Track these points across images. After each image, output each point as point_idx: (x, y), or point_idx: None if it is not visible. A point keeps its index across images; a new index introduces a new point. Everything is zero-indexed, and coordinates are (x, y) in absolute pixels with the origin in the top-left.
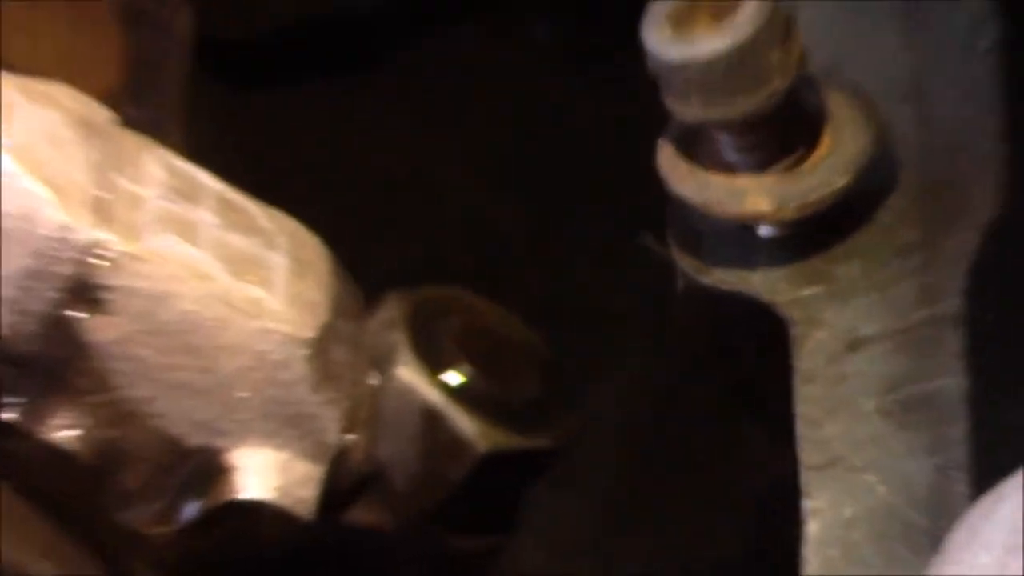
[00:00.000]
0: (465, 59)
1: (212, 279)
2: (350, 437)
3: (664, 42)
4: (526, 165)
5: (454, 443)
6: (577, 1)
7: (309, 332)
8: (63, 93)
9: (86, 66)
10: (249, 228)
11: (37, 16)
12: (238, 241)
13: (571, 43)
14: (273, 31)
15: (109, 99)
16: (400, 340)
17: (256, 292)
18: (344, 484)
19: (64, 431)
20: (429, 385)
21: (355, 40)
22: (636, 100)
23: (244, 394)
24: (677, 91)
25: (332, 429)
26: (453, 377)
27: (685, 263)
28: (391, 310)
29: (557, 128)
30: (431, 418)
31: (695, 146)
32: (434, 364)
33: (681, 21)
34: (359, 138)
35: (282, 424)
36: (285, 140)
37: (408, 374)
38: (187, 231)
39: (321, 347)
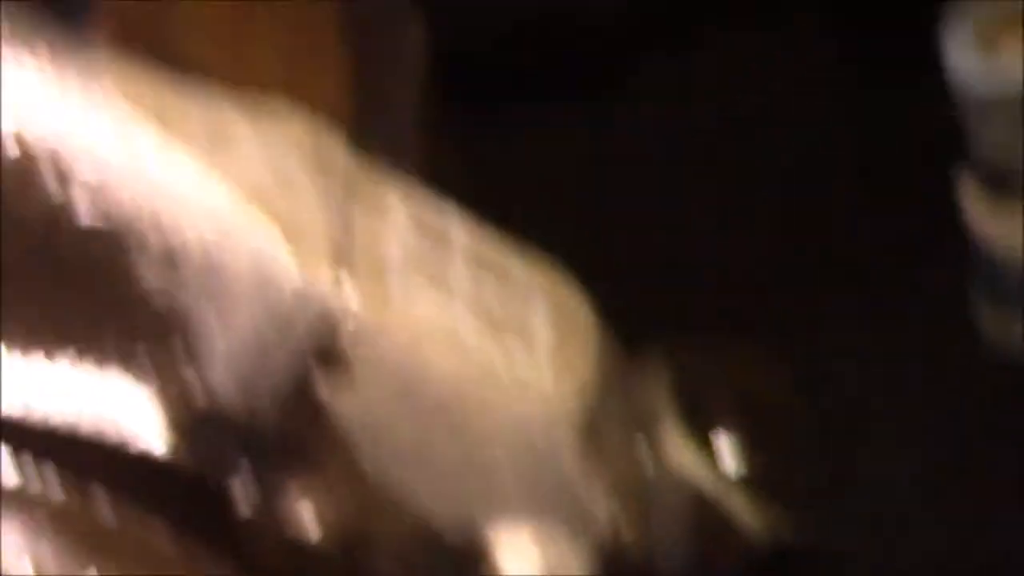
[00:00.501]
0: (726, 73)
1: (468, 341)
2: (619, 517)
3: (973, 67)
4: (791, 199)
5: (727, 530)
6: (863, 4)
7: (575, 400)
8: (292, 119)
9: (310, 86)
10: (506, 282)
11: (258, 29)
12: (495, 297)
13: (854, 54)
14: (509, 39)
15: (336, 126)
16: (663, 406)
17: (517, 356)
18: (611, 572)
19: (302, 514)
20: (696, 461)
21: (601, 48)
22: (930, 124)
23: (506, 474)
24: (988, 123)
25: (601, 508)
26: (725, 451)
27: (992, 325)
28: (653, 369)
29: (831, 157)
30: (700, 500)
31: (1006, 180)
32: (703, 435)
33: (991, 37)
34: (603, 166)
35: (546, 502)
36: (521, 167)
37: (673, 448)
38: (438, 286)
39: (588, 417)
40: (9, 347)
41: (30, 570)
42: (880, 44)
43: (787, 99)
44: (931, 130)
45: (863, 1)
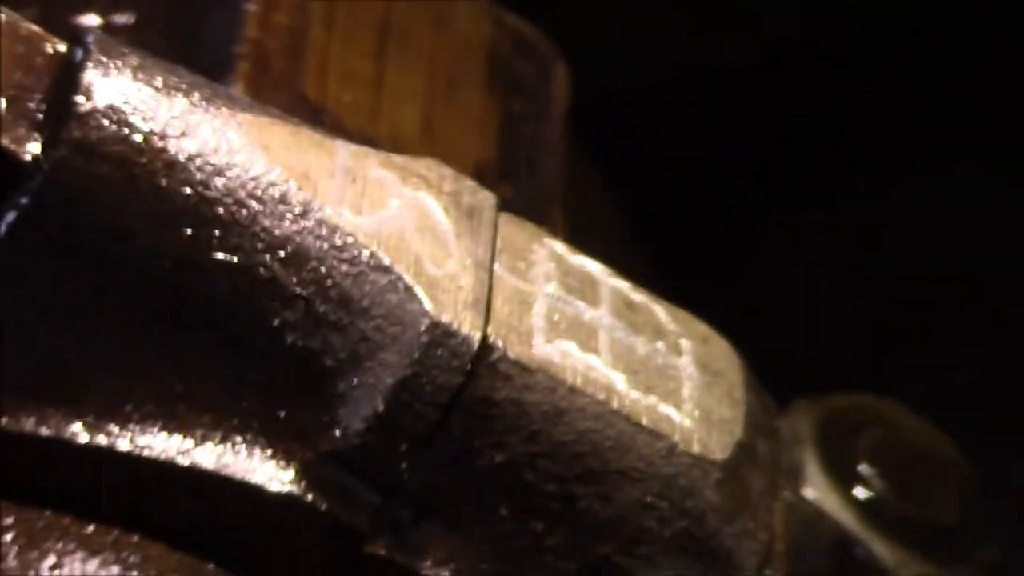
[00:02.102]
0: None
1: (614, 392)
2: (768, 573)
3: None
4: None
5: (871, 575)
6: None
7: (721, 453)
8: (437, 172)
9: (454, 138)
10: (653, 331)
11: (400, 80)
12: (642, 347)
13: None
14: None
15: (480, 177)
16: (809, 456)
17: (663, 407)
18: None
19: (441, 566)
20: (841, 507)
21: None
22: None
23: (648, 525)
24: None
25: (749, 565)
26: (868, 498)
27: None
28: (798, 421)
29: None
30: (843, 546)
31: None
32: (846, 483)
33: None
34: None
35: (692, 559)
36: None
37: (818, 496)
38: (584, 336)
39: (735, 470)
40: (145, 405)
41: None
42: None
43: None
44: None
45: None
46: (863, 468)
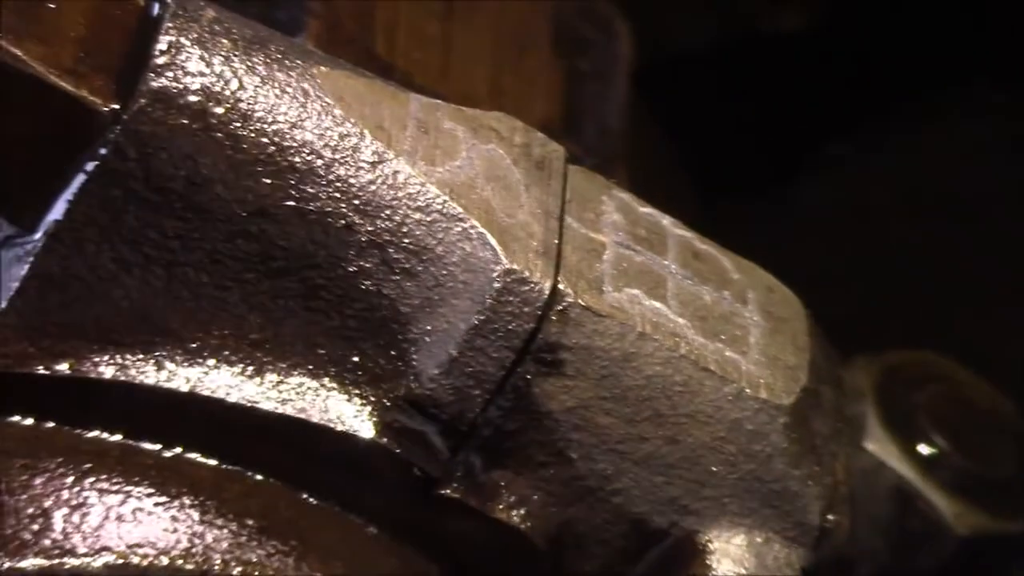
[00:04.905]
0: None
1: (682, 338)
2: (832, 518)
3: None
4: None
5: (929, 525)
6: None
7: (787, 398)
8: (508, 126)
9: (521, 96)
10: (719, 281)
11: (467, 40)
12: (708, 295)
13: None
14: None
15: (546, 134)
16: (869, 411)
17: (730, 353)
18: (822, 572)
19: (512, 509)
20: (901, 461)
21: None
22: None
23: (716, 468)
24: None
25: (814, 509)
26: (927, 452)
27: None
28: (859, 376)
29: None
30: (903, 497)
31: None
32: (906, 437)
33: None
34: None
35: (759, 502)
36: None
37: (878, 448)
38: (652, 284)
39: (800, 415)
40: (223, 351)
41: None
42: None
43: None
44: None
45: None
46: (922, 422)
